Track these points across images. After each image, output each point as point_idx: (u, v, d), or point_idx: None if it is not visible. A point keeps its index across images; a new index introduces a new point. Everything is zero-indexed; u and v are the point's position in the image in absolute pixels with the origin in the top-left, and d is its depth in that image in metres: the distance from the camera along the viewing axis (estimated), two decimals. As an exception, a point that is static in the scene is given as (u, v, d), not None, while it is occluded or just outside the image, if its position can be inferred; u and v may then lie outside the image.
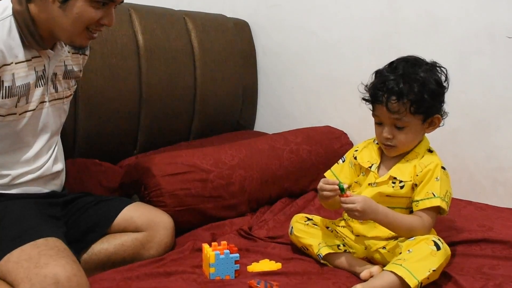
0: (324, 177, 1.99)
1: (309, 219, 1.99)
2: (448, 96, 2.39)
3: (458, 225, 2.16)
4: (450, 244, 1.94)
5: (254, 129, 3.29)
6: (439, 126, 1.90)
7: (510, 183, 2.49)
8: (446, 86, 1.88)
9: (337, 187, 1.78)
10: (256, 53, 3.23)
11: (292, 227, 2.00)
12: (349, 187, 1.94)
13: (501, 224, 2.15)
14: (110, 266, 1.91)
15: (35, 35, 1.71)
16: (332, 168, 2.08)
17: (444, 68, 1.88)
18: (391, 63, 1.88)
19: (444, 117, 1.90)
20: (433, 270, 1.68)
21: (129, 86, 2.57)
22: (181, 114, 2.82)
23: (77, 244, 1.88)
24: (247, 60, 3.17)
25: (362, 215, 1.78)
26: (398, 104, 1.79)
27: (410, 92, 1.78)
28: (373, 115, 1.88)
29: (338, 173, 2.04)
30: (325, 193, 1.81)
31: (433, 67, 1.86)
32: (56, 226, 1.79)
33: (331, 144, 2.70)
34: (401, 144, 1.86)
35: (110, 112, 2.53)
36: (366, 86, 1.90)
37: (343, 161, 2.06)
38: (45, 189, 1.89)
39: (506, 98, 2.45)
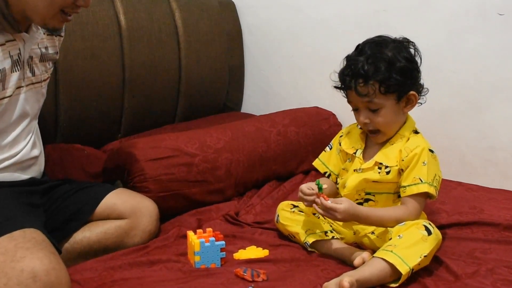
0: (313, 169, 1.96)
1: (295, 206, 1.95)
2: (438, 75, 2.36)
3: (448, 207, 2.13)
4: (441, 227, 1.92)
5: (241, 111, 3.24)
6: (420, 103, 1.85)
7: (501, 163, 2.46)
8: (418, 61, 1.82)
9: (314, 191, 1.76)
10: (242, 32, 3.17)
11: (278, 215, 1.96)
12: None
13: (493, 206, 2.13)
14: (92, 255, 1.86)
15: (8, 18, 1.64)
16: (320, 156, 2.04)
17: (412, 42, 1.84)
18: (357, 46, 1.83)
19: (423, 94, 1.85)
20: (424, 256, 1.64)
21: (112, 69, 2.51)
22: (165, 96, 2.76)
23: (59, 232, 1.84)
24: (233, 40, 3.11)
25: (342, 221, 1.78)
26: (366, 87, 1.75)
27: (376, 73, 1.74)
28: (348, 102, 1.85)
29: (327, 161, 2.00)
30: (304, 203, 1.80)
31: (401, 44, 1.81)
32: (35, 216, 1.73)
33: (319, 125, 2.65)
34: (382, 127, 1.81)
35: (92, 95, 2.47)
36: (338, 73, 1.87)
37: (330, 148, 2.02)
38: (23, 176, 1.84)
39: (498, 77, 2.41)
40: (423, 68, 1.84)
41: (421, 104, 1.86)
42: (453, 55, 2.48)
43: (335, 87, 1.86)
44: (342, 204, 1.72)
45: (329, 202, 1.72)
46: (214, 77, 2.96)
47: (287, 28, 3.02)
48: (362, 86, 1.76)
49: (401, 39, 1.84)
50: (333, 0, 2.83)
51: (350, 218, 1.75)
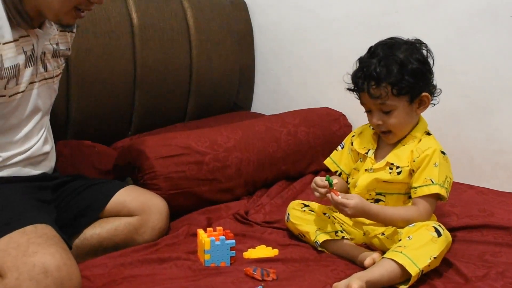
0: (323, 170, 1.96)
1: (305, 205, 1.95)
2: (448, 77, 2.35)
3: (458, 210, 2.12)
4: (451, 230, 1.91)
5: (251, 110, 3.24)
6: (433, 104, 1.85)
7: (511, 166, 2.45)
8: (431, 62, 1.83)
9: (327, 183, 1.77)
10: (253, 32, 3.17)
11: (288, 214, 1.96)
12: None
13: (503, 209, 2.12)
14: (102, 251, 1.87)
15: (22, 13, 1.65)
16: (331, 155, 2.05)
17: (425, 44, 1.84)
18: (370, 48, 1.84)
19: (436, 95, 1.86)
20: (434, 257, 1.64)
21: (123, 66, 2.52)
22: (176, 95, 2.77)
23: (69, 228, 1.85)
24: (244, 40, 3.10)
25: (352, 216, 1.79)
26: (379, 89, 1.76)
27: (388, 75, 1.74)
28: (361, 103, 1.85)
29: (338, 161, 2.01)
30: (316, 193, 1.80)
31: (413, 46, 1.81)
32: (46, 212, 1.74)
33: (330, 126, 2.65)
34: (394, 129, 1.82)
35: (103, 93, 2.48)
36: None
37: (342, 148, 2.02)
38: (34, 171, 1.85)
39: (508, 79, 2.41)
40: (432, 70, 1.85)
41: (434, 105, 1.86)
42: (462, 57, 2.48)
43: (348, 89, 1.86)
44: (353, 199, 1.73)
45: (340, 198, 1.73)
46: (224, 76, 2.96)
47: (298, 28, 3.02)
48: (375, 88, 1.76)
49: (413, 40, 1.84)
50: (343, 0, 2.83)
51: (359, 214, 1.76)
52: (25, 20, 1.67)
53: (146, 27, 2.58)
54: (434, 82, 1.85)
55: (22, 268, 1.46)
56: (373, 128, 1.91)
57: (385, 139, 1.88)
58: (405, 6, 2.62)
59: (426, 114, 1.88)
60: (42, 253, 1.48)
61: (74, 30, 1.96)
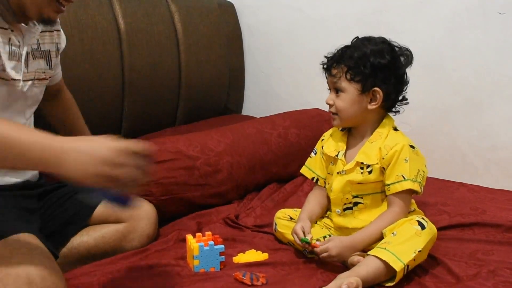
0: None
1: (291, 218, 1.94)
2: (439, 74, 2.34)
3: (450, 208, 2.11)
4: (443, 229, 1.91)
5: (242, 113, 3.23)
6: (393, 113, 1.87)
7: (503, 162, 2.45)
8: (401, 65, 1.83)
9: (303, 242, 1.76)
10: (242, 34, 3.17)
11: (276, 224, 1.95)
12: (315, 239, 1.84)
13: (495, 207, 2.11)
14: (91, 259, 1.84)
15: (7, 7, 1.63)
16: (306, 162, 2.03)
17: (408, 53, 1.84)
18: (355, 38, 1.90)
19: (401, 104, 1.86)
20: (419, 251, 1.63)
21: (111, 72, 2.51)
22: (166, 100, 2.75)
23: (56, 237, 1.83)
24: (233, 42, 3.10)
25: (341, 258, 1.74)
26: (336, 68, 1.82)
27: (348, 59, 1.80)
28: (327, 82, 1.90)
29: (313, 167, 2.00)
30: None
31: (390, 48, 1.82)
32: (30, 221, 1.72)
33: (320, 127, 2.62)
34: (340, 112, 1.83)
35: (92, 99, 2.46)
36: None
37: (315, 154, 2.01)
38: (17, 179, 1.82)
39: (499, 75, 2.40)
40: (422, 67, 1.83)
41: (395, 114, 1.88)
42: (454, 53, 2.47)
43: (322, 65, 1.90)
44: (329, 242, 1.72)
45: (318, 248, 1.72)
46: (214, 79, 2.95)
47: (287, 29, 3.01)
48: (334, 66, 1.83)
49: (400, 45, 1.84)
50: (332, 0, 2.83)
51: (347, 250, 1.72)
52: (10, 14, 1.65)
53: (134, 32, 2.57)
54: (405, 94, 1.86)
55: (5, 280, 1.44)
56: (341, 129, 1.92)
57: (333, 122, 1.88)
58: (394, 4, 2.62)
59: (418, 111, 1.87)
60: (26, 264, 1.46)
61: (59, 28, 1.94)
